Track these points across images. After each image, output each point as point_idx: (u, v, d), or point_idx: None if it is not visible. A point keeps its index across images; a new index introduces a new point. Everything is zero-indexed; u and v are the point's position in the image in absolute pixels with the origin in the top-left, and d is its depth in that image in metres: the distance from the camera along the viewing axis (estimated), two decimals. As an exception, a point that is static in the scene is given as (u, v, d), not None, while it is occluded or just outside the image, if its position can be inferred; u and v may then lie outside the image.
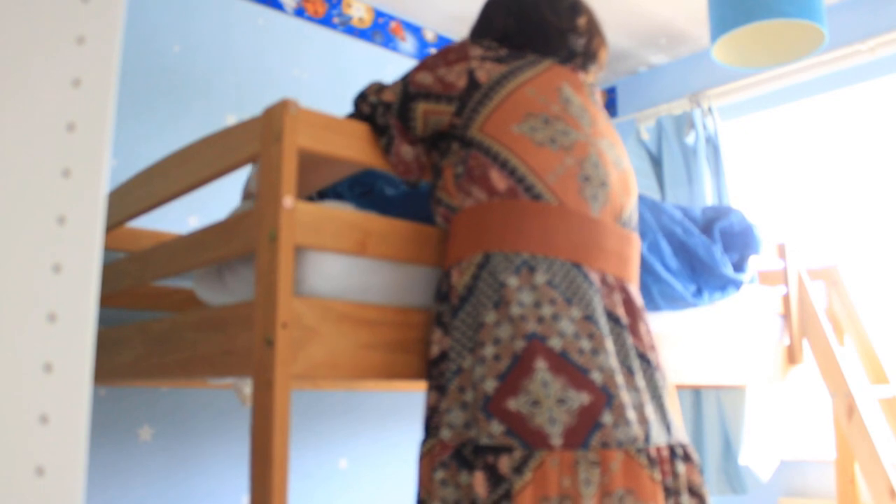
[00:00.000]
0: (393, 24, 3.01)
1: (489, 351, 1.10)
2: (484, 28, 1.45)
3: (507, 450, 1.05)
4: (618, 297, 1.21)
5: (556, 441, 1.05)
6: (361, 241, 1.20)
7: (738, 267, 1.88)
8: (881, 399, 2.35)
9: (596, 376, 1.08)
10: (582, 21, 1.41)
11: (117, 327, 1.52)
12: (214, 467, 2.21)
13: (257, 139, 1.18)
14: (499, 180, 1.20)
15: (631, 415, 1.09)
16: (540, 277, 1.14)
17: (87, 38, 0.71)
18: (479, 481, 1.05)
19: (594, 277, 1.18)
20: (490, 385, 1.08)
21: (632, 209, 1.30)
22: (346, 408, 2.51)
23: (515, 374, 1.07)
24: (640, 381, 1.16)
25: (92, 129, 0.70)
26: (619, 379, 1.11)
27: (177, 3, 2.43)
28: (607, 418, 1.07)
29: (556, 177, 1.20)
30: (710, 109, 3.15)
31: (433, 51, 3.13)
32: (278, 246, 1.10)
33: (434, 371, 1.19)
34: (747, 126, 3.22)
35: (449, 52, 1.31)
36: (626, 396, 1.10)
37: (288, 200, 1.11)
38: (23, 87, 0.67)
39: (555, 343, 1.09)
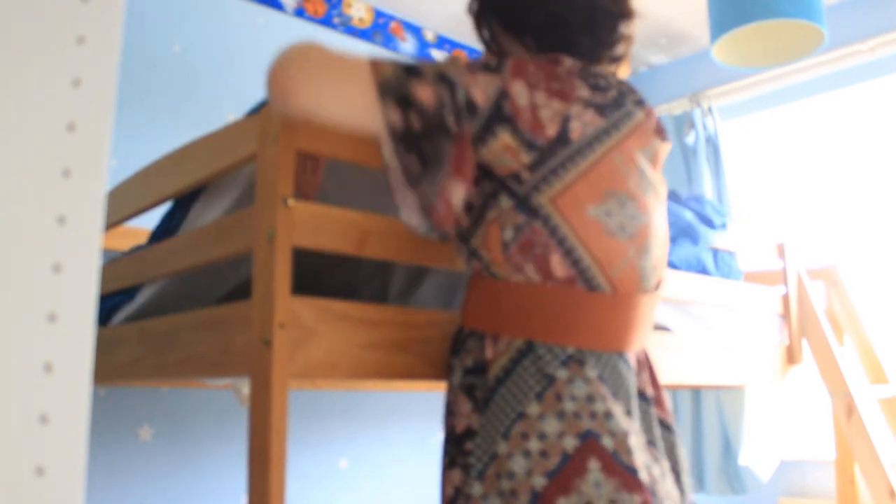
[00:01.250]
0: (393, 25, 3.01)
1: (534, 446, 1.02)
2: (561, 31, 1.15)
3: None
4: (646, 373, 1.16)
5: None
6: (360, 241, 1.20)
7: None
8: (881, 399, 2.35)
9: (644, 476, 1.03)
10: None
11: (117, 327, 1.53)
12: (214, 467, 2.21)
13: (254, 138, 1.18)
14: (559, 267, 1.06)
15: None
16: (591, 371, 1.05)
17: (87, 38, 0.71)
18: None
19: (632, 361, 1.12)
20: (538, 482, 1.00)
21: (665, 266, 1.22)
22: (346, 408, 2.51)
23: (567, 472, 1.00)
24: (665, 461, 1.12)
25: (92, 129, 0.70)
26: (656, 471, 1.07)
27: (177, 3, 2.43)
28: None
29: (618, 270, 1.08)
30: (710, 109, 3.15)
31: (434, 52, 3.13)
32: (276, 246, 1.10)
33: (458, 447, 1.08)
34: (747, 126, 3.22)
35: (551, 77, 1.07)
36: (662, 491, 1.06)
37: (286, 200, 1.11)
38: (23, 87, 0.67)
39: (607, 442, 1.02)
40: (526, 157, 1.04)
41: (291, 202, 1.12)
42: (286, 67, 0.98)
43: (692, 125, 3.15)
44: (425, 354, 1.27)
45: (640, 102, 1.16)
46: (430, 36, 3.14)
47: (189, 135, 2.31)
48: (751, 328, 2.05)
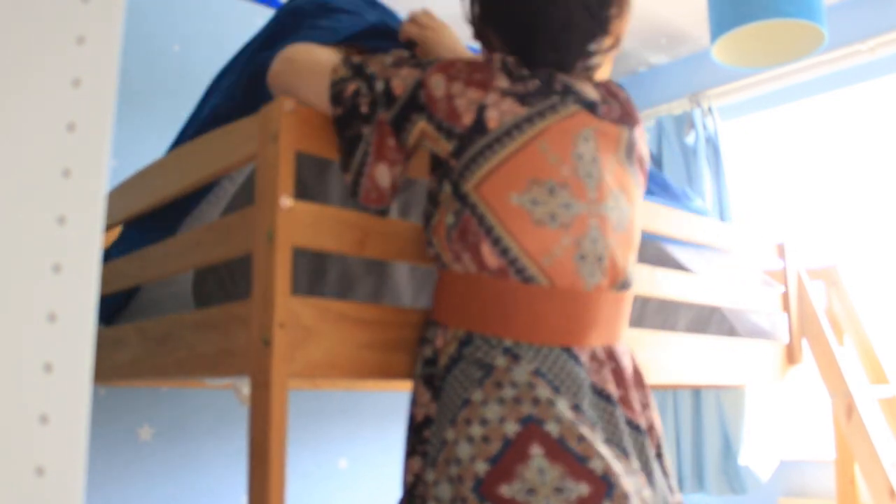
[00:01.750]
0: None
1: (476, 431, 1.03)
2: (496, 21, 1.18)
3: None
4: (607, 371, 1.13)
5: None
6: (360, 241, 1.20)
7: None
8: (881, 399, 2.35)
9: (596, 465, 1.00)
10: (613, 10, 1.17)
11: (116, 327, 1.53)
12: (214, 467, 2.21)
13: (254, 139, 1.18)
14: (489, 256, 1.08)
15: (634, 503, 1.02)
16: (527, 365, 1.05)
17: (87, 38, 0.71)
18: None
19: (584, 358, 1.10)
20: (481, 468, 1.00)
21: (631, 265, 1.19)
22: (346, 408, 2.51)
23: (509, 458, 1.00)
24: (635, 460, 1.09)
25: (92, 129, 0.70)
26: (618, 466, 1.04)
27: (177, 3, 2.43)
28: None
29: (551, 259, 1.08)
30: (710, 109, 3.15)
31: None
32: (275, 246, 1.10)
33: (418, 435, 1.12)
34: (747, 126, 3.22)
35: (475, 69, 1.11)
36: (627, 484, 1.02)
37: (285, 200, 1.11)
38: (23, 87, 0.67)
39: (552, 428, 1.01)
40: (447, 145, 1.10)
41: (287, 202, 1.12)
42: (276, 63, 1.21)
43: (692, 125, 3.16)
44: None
45: (572, 92, 1.15)
46: (430, 36, 3.14)
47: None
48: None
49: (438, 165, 1.14)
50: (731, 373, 1.94)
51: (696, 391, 3.01)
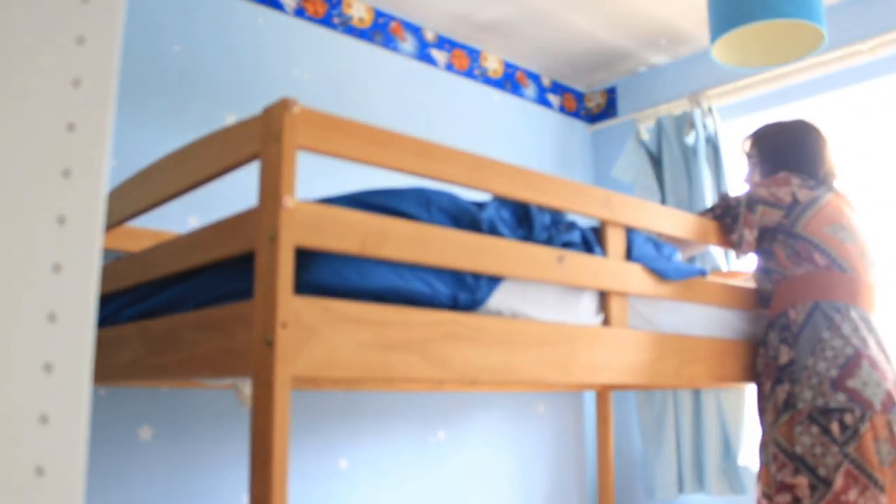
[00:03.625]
0: (393, 25, 3.01)
1: (829, 353, 1.83)
2: (787, 160, 2.13)
3: (850, 410, 1.77)
4: (876, 324, 1.93)
5: (878, 407, 1.77)
6: (362, 241, 1.20)
7: None
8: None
9: (890, 375, 1.83)
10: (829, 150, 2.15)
11: (117, 327, 1.52)
12: (214, 467, 2.21)
13: (257, 138, 1.18)
14: (820, 259, 1.93)
15: None
16: (853, 313, 1.88)
17: (87, 38, 0.71)
18: (835, 428, 1.76)
19: (872, 317, 1.92)
20: (834, 372, 1.80)
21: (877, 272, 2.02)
22: (346, 408, 2.51)
23: (850, 366, 1.80)
24: None
25: (92, 129, 0.69)
26: (890, 374, 1.85)
27: (177, 3, 2.43)
28: None
29: (853, 259, 1.94)
30: (710, 109, 3.15)
31: (434, 52, 3.14)
32: (278, 246, 1.10)
33: (786, 371, 1.88)
34: (747, 126, 3.22)
35: (778, 180, 2.04)
36: None
37: (288, 200, 1.11)
38: (23, 87, 0.67)
39: (871, 351, 1.83)
40: (780, 212, 2.00)
41: (290, 202, 1.12)
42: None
43: (692, 125, 3.16)
44: (426, 354, 1.28)
45: (827, 190, 2.06)
46: (430, 36, 3.14)
47: (189, 135, 2.31)
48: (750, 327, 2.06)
49: (765, 233, 2.06)
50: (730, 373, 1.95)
51: (696, 391, 3.01)
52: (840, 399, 1.77)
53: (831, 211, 1.99)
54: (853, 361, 1.80)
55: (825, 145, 2.15)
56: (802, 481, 1.78)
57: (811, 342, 1.84)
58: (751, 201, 2.01)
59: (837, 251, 1.93)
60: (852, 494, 1.73)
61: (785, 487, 1.80)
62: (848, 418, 1.76)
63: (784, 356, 1.89)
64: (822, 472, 1.76)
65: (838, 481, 1.73)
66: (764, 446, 1.91)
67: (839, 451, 1.75)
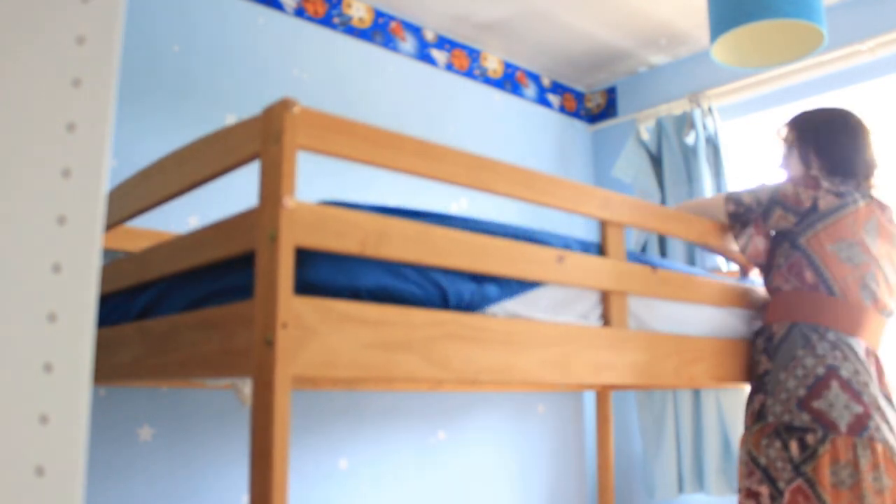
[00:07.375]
0: (393, 24, 3.01)
1: (800, 372, 1.81)
2: (826, 155, 2.01)
3: (813, 430, 1.75)
4: (872, 360, 1.86)
5: (844, 429, 1.74)
6: (363, 241, 1.20)
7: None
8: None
9: (866, 398, 1.77)
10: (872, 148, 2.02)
11: (117, 327, 1.52)
12: (215, 467, 2.21)
13: (257, 138, 1.18)
14: (810, 277, 1.88)
15: (885, 427, 1.77)
16: (830, 335, 1.83)
17: (87, 38, 0.71)
18: (794, 447, 1.77)
19: (860, 345, 1.84)
20: (802, 392, 1.79)
21: (894, 305, 1.94)
22: (346, 408, 2.51)
23: (818, 387, 1.78)
24: (891, 411, 1.81)
25: (92, 129, 0.69)
26: (881, 402, 1.80)
27: (177, 3, 2.43)
28: (872, 424, 1.75)
29: (845, 282, 1.86)
30: (710, 109, 3.15)
31: (434, 52, 3.14)
32: (278, 246, 1.10)
33: (762, 380, 1.89)
34: (747, 126, 3.22)
35: (808, 180, 1.94)
36: (886, 415, 1.79)
37: (288, 200, 1.11)
38: (23, 87, 0.67)
39: (844, 373, 1.79)
40: (794, 218, 1.92)
41: (290, 202, 1.12)
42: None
43: (692, 125, 3.16)
44: (426, 354, 1.28)
45: (860, 198, 1.93)
46: (430, 36, 3.14)
47: (189, 135, 2.31)
48: (749, 327, 2.06)
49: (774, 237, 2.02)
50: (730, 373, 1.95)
51: (696, 391, 3.01)
52: (804, 419, 1.77)
53: (848, 224, 1.88)
54: (822, 382, 1.77)
55: (868, 142, 2.02)
56: (765, 490, 1.81)
57: (786, 358, 1.84)
58: (772, 202, 1.93)
59: (831, 271, 1.86)
60: None
61: (751, 494, 1.84)
62: (809, 438, 1.75)
63: (762, 366, 1.90)
64: (781, 485, 1.78)
65: (786, 497, 1.75)
66: (741, 447, 1.93)
67: (793, 470, 1.76)
